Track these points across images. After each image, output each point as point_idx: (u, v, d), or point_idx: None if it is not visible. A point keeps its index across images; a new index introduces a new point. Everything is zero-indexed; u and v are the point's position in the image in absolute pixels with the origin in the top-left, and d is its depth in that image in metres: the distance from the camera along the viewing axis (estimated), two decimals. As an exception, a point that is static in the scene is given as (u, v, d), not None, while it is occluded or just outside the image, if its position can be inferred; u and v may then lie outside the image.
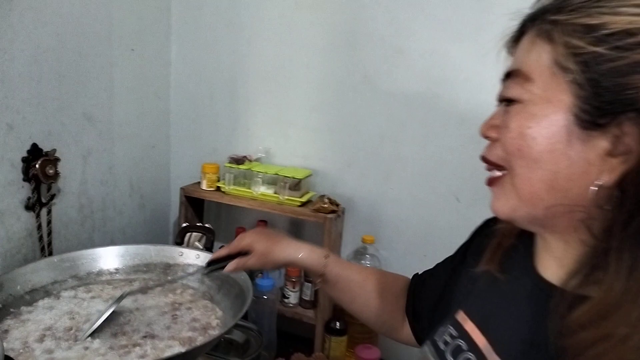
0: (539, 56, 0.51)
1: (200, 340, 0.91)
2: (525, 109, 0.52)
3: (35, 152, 1.12)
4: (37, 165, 1.10)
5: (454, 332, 0.65)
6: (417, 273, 0.88)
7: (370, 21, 1.34)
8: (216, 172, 1.46)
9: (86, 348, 0.87)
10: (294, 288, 1.40)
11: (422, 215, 1.36)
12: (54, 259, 1.10)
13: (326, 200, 1.35)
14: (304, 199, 1.37)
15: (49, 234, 1.18)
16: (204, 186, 1.45)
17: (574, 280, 0.49)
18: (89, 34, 1.24)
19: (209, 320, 1.00)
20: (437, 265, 0.84)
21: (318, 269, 0.88)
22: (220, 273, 1.00)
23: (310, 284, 1.40)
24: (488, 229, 0.71)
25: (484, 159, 0.58)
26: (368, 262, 1.39)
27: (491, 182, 0.58)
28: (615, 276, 0.46)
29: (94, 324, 0.92)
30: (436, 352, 0.66)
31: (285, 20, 1.43)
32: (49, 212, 1.18)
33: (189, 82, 1.57)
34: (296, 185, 1.38)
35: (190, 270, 1.15)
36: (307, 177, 1.41)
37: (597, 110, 0.47)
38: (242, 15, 1.47)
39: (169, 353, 0.87)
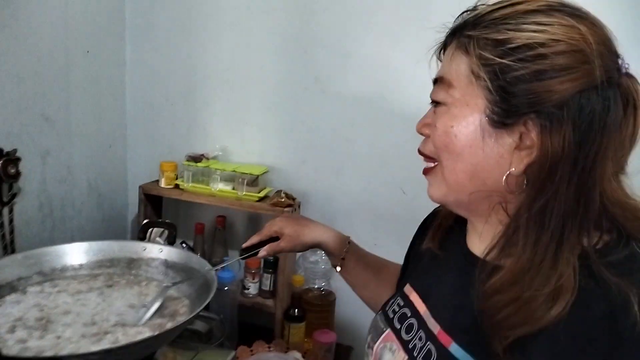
0: (458, 66, 0.60)
1: (169, 325, 0.97)
2: (449, 111, 0.61)
3: (-5, 152, 1.14)
4: (-1, 165, 1.12)
5: (400, 302, 0.75)
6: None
7: (320, 27, 1.43)
8: (174, 170, 1.50)
9: (58, 337, 0.91)
10: (253, 279, 1.47)
11: (372, 207, 1.46)
12: (18, 256, 1.12)
13: (283, 195, 1.43)
14: (261, 194, 1.44)
15: (11, 232, 1.20)
16: (163, 184, 1.50)
17: (492, 253, 0.59)
18: (45, 37, 1.26)
19: (176, 308, 1.05)
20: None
21: (340, 252, 0.97)
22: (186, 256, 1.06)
23: (269, 275, 1.47)
24: (434, 212, 0.82)
25: (420, 152, 0.68)
26: (323, 253, 1.47)
27: (426, 171, 0.68)
28: (522, 249, 0.55)
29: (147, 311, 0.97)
30: (385, 320, 0.75)
31: (239, 25, 1.50)
32: (11, 210, 1.20)
33: (144, 83, 1.61)
34: (253, 182, 1.45)
35: (154, 264, 1.20)
36: (263, 173, 1.48)
37: (505, 112, 0.57)
38: (196, 19, 1.53)
39: (140, 338, 0.92)
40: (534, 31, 0.55)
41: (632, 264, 0.54)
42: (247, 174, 1.44)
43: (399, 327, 0.72)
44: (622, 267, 0.52)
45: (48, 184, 1.32)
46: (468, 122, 0.59)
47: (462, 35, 0.61)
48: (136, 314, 0.98)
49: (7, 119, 1.17)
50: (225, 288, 1.40)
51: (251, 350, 1.36)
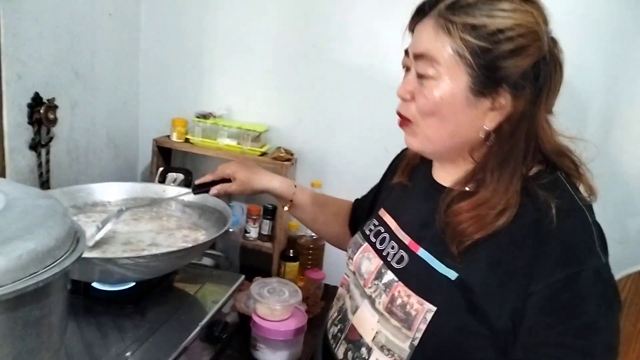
0: (443, 45, 0.73)
1: (202, 238, 1.16)
2: (437, 84, 0.74)
3: (37, 99, 1.31)
4: (41, 111, 1.29)
5: (376, 222, 0.94)
6: (357, 198, 1.18)
7: (318, 0, 1.61)
8: (185, 126, 1.68)
9: (104, 252, 1.10)
10: (254, 224, 1.67)
11: (359, 164, 1.67)
12: (57, 191, 1.29)
13: (282, 151, 1.62)
14: (263, 150, 1.63)
15: (48, 171, 1.37)
16: (174, 138, 1.67)
17: (459, 184, 0.79)
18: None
19: (196, 236, 1.24)
20: (369, 190, 1.14)
21: (288, 195, 1.14)
22: (203, 197, 1.25)
23: (268, 221, 1.67)
24: (401, 155, 1.02)
25: (399, 114, 0.81)
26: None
27: (402, 124, 0.82)
28: (489, 183, 0.75)
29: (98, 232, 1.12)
30: (363, 236, 0.95)
31: (247, -4, 1.67)
32: (48, 152, 1.36)
33: (157, 46, 1.77)
34: (256, 138, 1.64)
35: (173, 204, 1.38)
36: (265, 131, 1.67)
37: (483, 84, 0.72)
38: (207, -11, 1.69)
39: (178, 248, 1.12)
40: (502, 17, 0.70)
41: (554, 184, 0.74)
42: (251, 131, 1.63)
43: (374, 240, 0.91)
44: (547, 187, 0.73)
45: (76, 132, 1.49)
46: (454, 92, 0.73)
47: (441, 16, 0.73)
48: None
49: (45, 70, 1.33)
50: (231, 230, 1.60)
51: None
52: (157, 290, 1.17)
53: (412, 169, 0.95)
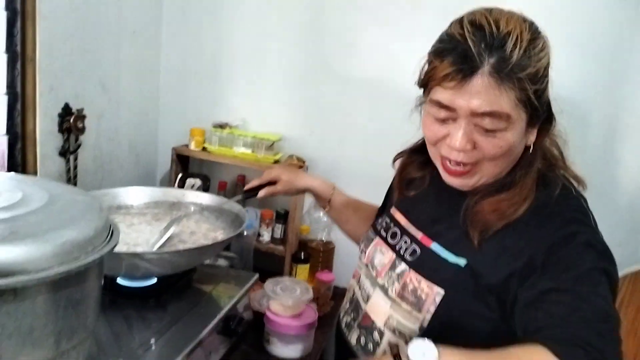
0: (509, 98, 0.76)
1: (220, 237, 1.25)
2: (510, 132, 0.78)
3: (67, 109, 1.41)
4: (71, 120, 1.39)
5: (387, 219, 1.03)
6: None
7: (329, 19, 1.72)
8: (202, 135, 1.78)
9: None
10: (267, 228, 1.76)
11: (368, 171, 1.74)
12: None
13: (294, 159, 1.71)
14: (276, 157, 1.72)
15: (75, 176, 1.47)
16: (193, 147, 1.77)
17: (486, 184, 0.85)
18: (103, 18, 1.53)
19: (215, 234, 1.33)
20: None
21: (327, 196, 1.23)
22: (220, 201, 1.33)
23: (281, 225, 1.75)
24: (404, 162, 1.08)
25: (461, 163, 0.82)
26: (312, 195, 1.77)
27: (462, 174, 0.84)
28: (520, 182, 0.83)
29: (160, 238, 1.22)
30: (374, 231, 1.03)
31: (261, 15, 1.77)
32: (76, 158, 1.46)
33: (176, 62, 1.88)
34: (270, 147, 1.73)
35: (192, 208, 1.47)
36: (278, 140, 1.76)
37: (537, 118, 0.81)
38: (224, 9, 1.80)
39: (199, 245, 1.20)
40: (543, 57, 0.78)
41: (555, 177, 0.85)
42: (265, 140, 1.72)
43: (384, 235, 0.99)
44: (550, 178, 0.84)
45: (101, 141, 1.59)
46: (518, 132, 0.80)
47: (501, 72, 0.74)
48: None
49: (75, 83, 1.44)
50: (245, 233, 1.68)
51: (265, 285, 1.64)
52: (177, 287, 1.25)
53: (408, 182, 1.03)
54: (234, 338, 1.29)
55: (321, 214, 1.80)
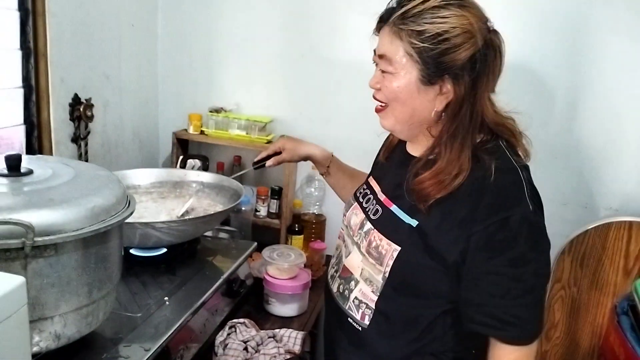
0: (397, 48, 0.91)
1: (219, 208, 1.40)
2: (394, 77, 0.93)
3: (76, 99, 1.55)
4: (81, 109, 1.53)
5: (365, 187, 1.15)
6: None
7: (314, 6, 1.84)
8: (200, 120, 1.91)
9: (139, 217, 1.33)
10: (263, 204, 1.90)
11: (354, 148, 1.88)
12: (96, 176, 1.52)
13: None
14: (269, 138, 1.86)
15: (86, 161, 1.61)
16: (191, 130, 1.91)
17: (423, 155, 0.98)
18: (106, 13, 1.66)
19: (216, 208, 1.48)
20: None
21: (326, 162, 1.35)
22: (219, 179, 1.48)
23: (275, 200, 1.90)
24: (387, 137, 1.22)
25: (375, 98, 1.00)
26: (316, 184, 1.92)
27: (378, 110, 1.00)
28: (444, 154, 0.92)
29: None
30: (354, 197, 1.16)
31: (250, 4, 1.90)
32: (86, 144, 1.60)
33: (173, 51, 2.01)
34: (262, 128, 1.87)
35: (193, 185, 1.62)
36: (270, 122, 1.90)
37: (430, 75, 0.90)
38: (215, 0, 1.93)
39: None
40: (440, 23, 0.88)
41: (495, 149, 0.93)
42: (258, 122, 1.86)
43: (361, 200, 1.11)
44: (490, 151, 0.92)
45: (107, 128, 1.73)
46: (408, 83, 0.92)
47: (395, 25, 0.91)
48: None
49: (82, 74, 1.57)
50: (243, 208, 1.83)
51: (263, 255, 1.79)
52: (184, 255, 1.40)
53: (393, 147, 1.15)
54: (237, 299, 1.44)
55: (312, 189, 1.95)
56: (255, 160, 1.40)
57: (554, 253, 1.67)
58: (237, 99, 1.98)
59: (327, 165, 1.36)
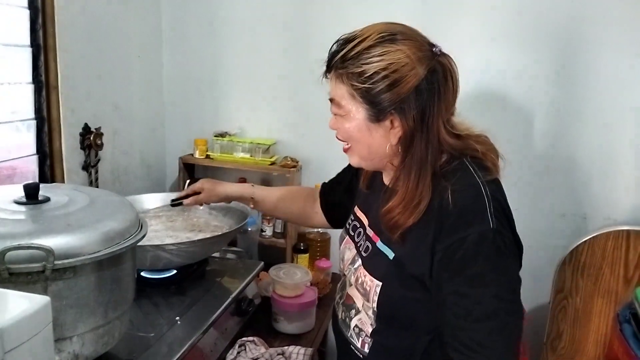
0: (342, 92, 0.92)
1: (225, 229, 1.44)
2: (344, 119, 0.94)
3: (86, 128, 1.61)
4: (91, 138, 1.59)
5: (353, 218, 1.15)
6: (324, 182, 1.37)
7: (315, 31, 1.91)
8: (205, 144, 1.97)
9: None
10: (269, 224, 1.95)
11: (356, 167, 1.94)
12: (107, 202, 1.58)
13: (289, 160, 1.90)
14: (273, 159, 1.92)
15: (96, 187, 1.66)
16: (197, 155, 1.97)
17: (390, 185, 0.97)
18: (115, 46, 1.73)
19: (223, 229, 1.52)
20: (338, 175, 1.34)
21: (247, 194, 1.36)
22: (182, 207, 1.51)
23: (280, 221, 1.95)
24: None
25: (337, 138, 1.00)
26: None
27: (345, 150, 1.00)
28: (402, 185, 0.91)
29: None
30: (345, 231, 1.17)
31: (252, 31, 1.97)
32: (96, 172, 1.66)
33: (177, 80, 2.08)
34: (266, 150, 1.92)
35: (201, 208, 1.66)
36: (273, 144, 1.96)
37: (377, 113, 0.90)
38: (217, 27, 2.00)
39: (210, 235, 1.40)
40: (377, 62, 0.87)
41: (456, 169, 0.91)
42: (262, 144, 1.91)
43: (352, 234, 1.11)
44: (449, 172, 0.90)
45: (116, 155, 1.79)
46: (358, 123, 0.93)
47: (336, 69, 0.92)
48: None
49: (92, 105, 1.64)
50: (249, 229, 1.88)
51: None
52: (194, 276, 1.44)
53: (369, 176, 1.13)
54: (246, 317, 1.48)
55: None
56: (173, 198, 1.42)
57: (554, 264, 1.71)
58: (241, 123, 2.04)
59: (250, 196, 1.37)
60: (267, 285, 1.67)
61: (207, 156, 1.97)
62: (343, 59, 0.91)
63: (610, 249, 1.60)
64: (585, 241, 1.62)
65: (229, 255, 1.84)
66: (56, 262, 0.81)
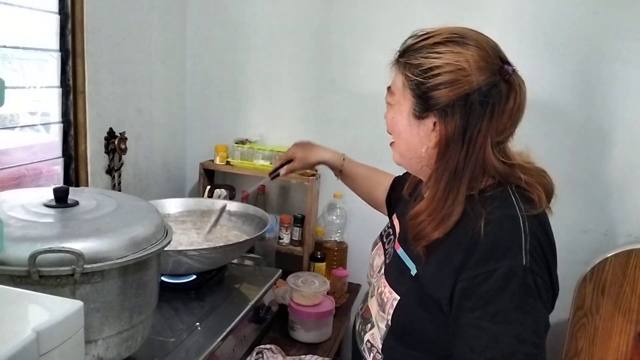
0: (398, 81, 0.93)
1: (244, 237, 1.45)
2: (393, 108, 0.95)
3: (111, 133, 1.63)
4: (115, 142, 1.61)
5: (389, 225, 1.16)
6: (398, 175, 1.33)
7: (335, 41, 1.92)
8: (226, 151, 1.99)
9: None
10: (286, 232, 1.95)
11: (375, 177, 1.94)
12: (129, 206, 1.60)
13: (308, 168, 1.91)
14: (292, 167, 1.92)
15: (119, 191, 1.68)
16: (218, 161, 1.98)
17: (424, 190, 0.95)
18: (139, 51, 1.75)
19: (243, 236, 1.53)
20: (405, 173, 1.26)
21: (338, 165, 1.37)
22: (245, 207, 1.54)
23: (298, 228, 1.95)
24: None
25: (388, 131, 1.00)
26: (338, 212, 1.96)
27: (391, 144, 1.00)
28: (432, 190, 0.89)
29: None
30: (379, 237, 1.17)
31: (274, 40, 1.99)
32: (120, 176, 1.68)
33: (200, 86, 2.10)
34: (286, 158, 1.93)
35: (228, 216, 1.66)
36: (293, 152, 1.97)
37: (421, 110, 0.89)
38: (240, 37, 2.02)
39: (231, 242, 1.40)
40: (435, 58, 0.87)
41: (496, 196, 0.86)
42: (282, 152, 1.92)
43: (385, 241, 1.11)
44: (488, 199, 0.85)
45: (139, 159, 1.81)
46: (402, 115, 0.92)
47: (399, 59, 0.94)
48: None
49: (117, 110, 1.66)
50: (267, 236, 1.88)
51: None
52: (213, 282, 1.45)
53: (415, 183, 1.12)
54: (263, 325, 1.48)
55: (334, 217, 2.00)
56: (271, 171, 1.43)
57: (574, 280, 1.69)
58: (261, 131, 2.05)
59: (339, 169, 1.38)
60: (284, 293, 1.68)
61: (227, 162, 1.98)
62: (406, 50, 0.92)
63: (632, 266, 1.58)
64: (606, 258, 1.60)
65: (247, 262, 1.84)
66: (85, 266, 0.82)
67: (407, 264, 0.94)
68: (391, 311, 0.92)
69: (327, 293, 1.63)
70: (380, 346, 0.95)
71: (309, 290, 1.53)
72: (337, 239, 1.99)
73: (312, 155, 1.38)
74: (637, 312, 1.59)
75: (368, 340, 1.00)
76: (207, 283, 1.42)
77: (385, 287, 0.96)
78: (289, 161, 1.39)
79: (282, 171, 1.39)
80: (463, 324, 0.81)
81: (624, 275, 1.59)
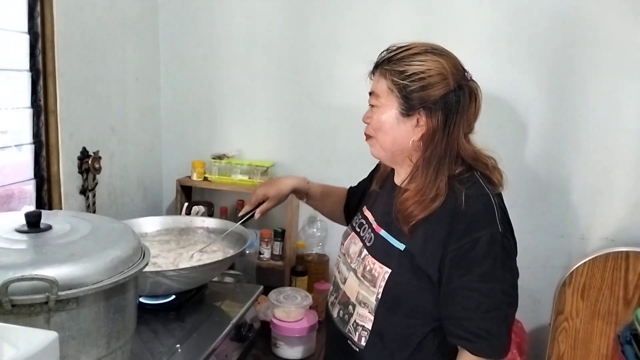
0: (383, 86, 1.07)
1: (231, 253, 1.43)
2: (379, 110, 1.09)
3: (84, 152, 1.60)
4: (89, 162, 1.58)
5: (360, 216, 1.24)
6: (351, 186, 1.46)
7: (310, 57, 1.93)
8: (203, 166, 1.97)
9: (154, 263, 1.36)
10: (267, 246, 1.94)
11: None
12: (104, 226, 1.56)
13: (287, 181, 1.90)
14: (270, 181, 1.91)
15: (94, 212, 1.64)
16: (195, 177, 1.96)
17: (405, 182, 1.10)
18: (112, 70, 1.73)
19: (223, 254, 1.51)
20: (359, 182, 1.44)
21: (305, 188, 1.43)
22: (224, 224, 1.52)
23: (279, 242, 1.93)
24: (377, 167, 1.32)
25: (365, 134, 1.15)
26: (319, 224, 1.96)
27: (367, 139, 1.15)
28: (420, 178, 1.05)
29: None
30: (351, 227, 1.24)
31: (249, 56, 1.98)
32: (94, 195, 1.64)
33: (175, 102, 2.08)
34: (264, 172, 1.92)
35: (199, 231, 1.65)
36: (271, 166, 1.96)
37: (407, 109, 1.05)
38: (214, 51, 2.01)
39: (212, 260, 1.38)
40: (417, 65, 1.04)
41: (469, 179, 1.04)
42: (260, 166, 1.91)
43: (358, 230, 1.21)
44: (463, 180, 1.04)
45: (113, 178, 1.78)
46: (389, 115, 1.07)
47: (382, 67, 1.09)
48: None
49: (90, 128, 1.63)
50: (247, 252, 1.86)
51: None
52: (193, 302, 1.42)
53: (384, 178, 1.25)
54: (246, 343, 1.46)
55: (315, 230, 1.99)
56: (240, 215, 1.43)
57: (553, 285, 1.71)
58: (238, 145, 2.04)
59: (305, 191, 1.44)
60: (266, 309, 1.66)
61: (205, 178, 1.96)
62: (390, 60, 1.07)
63: (609, 269, 1.61)
64: (585, 262, 1.63)
65: (227, 279, 1.82)
66: (60, 293, 0.79)
67: (392, 243, 1.08)
68: (383, 283, 1.06)
69: (310, 307, 1.62)
70: (371, 319, 1.08)
71: (291, 305, 1.51)
72: (318, 251, 1.98)
73: (283, 187, 1.42)
74: (616, 315, 1.61)
75: (355, 321, 1.11)
76: (187, 303, 1.39)
77: (374, 264, 1.09)
78: (260, 203, 1.41)
79: (257, 214, 1.40)
80: (454, 288, 0.99)
81: (602, 279, 1.62)
